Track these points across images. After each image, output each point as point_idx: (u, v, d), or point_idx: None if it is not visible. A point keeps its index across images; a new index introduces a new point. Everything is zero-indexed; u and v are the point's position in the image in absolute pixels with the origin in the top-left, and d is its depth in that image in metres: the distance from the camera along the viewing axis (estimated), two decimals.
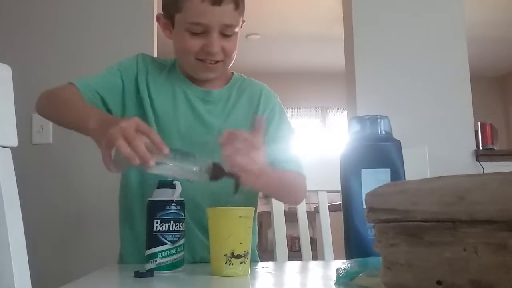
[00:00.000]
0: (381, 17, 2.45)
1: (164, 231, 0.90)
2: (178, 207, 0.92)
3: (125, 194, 1.21)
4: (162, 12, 1.15)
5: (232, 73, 1.27)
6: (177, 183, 0.94)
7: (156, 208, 0.91)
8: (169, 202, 0.91)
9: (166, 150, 0.85)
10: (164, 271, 0.89)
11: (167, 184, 0.93)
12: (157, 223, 0.90)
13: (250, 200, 1.17)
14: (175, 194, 0.93)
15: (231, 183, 0.93)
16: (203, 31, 1.07)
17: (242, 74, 1.28)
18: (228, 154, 0.91)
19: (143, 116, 1.13)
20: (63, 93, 1.09)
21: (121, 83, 1.15)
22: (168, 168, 0.89)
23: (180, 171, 0.90)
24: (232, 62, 1.17)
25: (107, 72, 1.16)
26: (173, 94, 1.17)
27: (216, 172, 0.91)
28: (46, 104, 1.10)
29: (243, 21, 1.17)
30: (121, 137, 0.81)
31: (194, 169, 0.90)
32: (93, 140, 0.92)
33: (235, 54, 1.15)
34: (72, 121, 1.01)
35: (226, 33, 1.09)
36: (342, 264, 0.69)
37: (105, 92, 1.12)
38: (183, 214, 0.93)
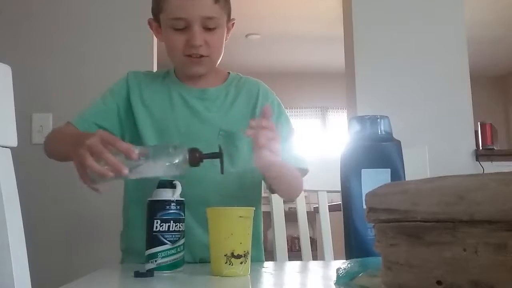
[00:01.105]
0: (381, 17, 2.45)
1: (164, 231, 0.90)
2: (178, 207, 0.92)
3: (124, 198, 1.24)
4: (152, 17, 1.19)
5: (229, 73, 1.29)
6: (177, 183, 0.94)
7: (156, 208, 0.91)
8: (169, 202, 0.91)
9: (134, 155, 0.85)
10: (164, 271, 0.89)
11: (167, 184, 0.93)
12: (157, 223, 0.90)
13: (253, 198, 1.18)
14: (175, 194, 0.93)
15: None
16: (185, 26, 1.10)
17: (238, 73, 1.29)
18: (262, 145, 0.92)
19: (140, 130, 1.16)
20: (60, 132, 1.15)
21: (116, 107, 1.18)
22: (147, 169, 0.89)
23: (161, 168, 0.90)
24: (219, 57, 1.18)
25: (101, 101, 1.20)
26: (169, 97, 1.20)
27: (194, 157, 0.92)
28: (47, 146, 1.15)
29: (233, 20, 1.20)
30: (89, 156, 0.83)
31: (174, 162, 0.90)
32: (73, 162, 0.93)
33: (221, 49, 1.17)
34: (65, 152, 1.01)
35: (208, 26, 1.11)
36: (342, 264, 0.69)
37: (102, 121, 1.16)
38: (183, 214, 0.93)
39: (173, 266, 0.90)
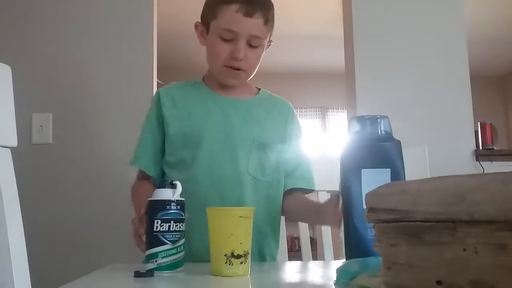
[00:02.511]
0: (381, 17, 2.45)
1: (165, 231, 0.90)
2: (179, 207, 0.92)
3: None
4: (199, 21, 1.27)
5: (259, 89, 1.38)
6: (177, 183, 0.94)
7: (156, 208, 0.91)
8: (169, 202, 0.91)
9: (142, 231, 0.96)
10: (164, 271, 0.89)
11: (167, 184, 0.93)
12: (157, 223, 0.90)
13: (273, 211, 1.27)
14: (175, 194, 0.93)
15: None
16: (233, 38, 1.18)
17: (267, 90, 1.40)
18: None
19: (173, 141, 1.24)
20: (136, 192, 1.25)
21: (157, 132, 1.27)
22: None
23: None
24: (253, 74, 1.26)
25: (145, 138, 1.28)
26: (205, 105, 1.26)
27: None
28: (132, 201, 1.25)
29: (270, 41, 1.28)
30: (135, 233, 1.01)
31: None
32: None
33: (257, 67, 1.26)
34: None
35: (253, 44, 1.20)
36: (342, 264, 0.69)
37: (158, 154, 1.27)
38: (183, 214, 0.93)
39: (173, 266, 0.90)
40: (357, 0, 2.44)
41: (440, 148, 2.24)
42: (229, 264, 0.82)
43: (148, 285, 0.81)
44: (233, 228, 0.84)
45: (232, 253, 0.82)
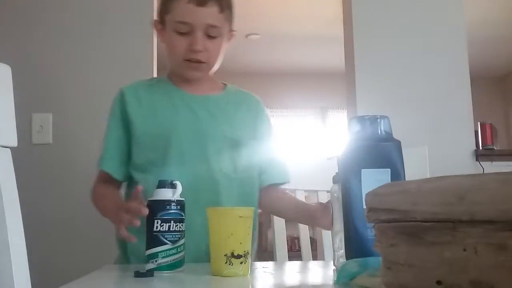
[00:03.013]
0: (381, 17, 2.45)
1: (165, 231, 0.90)
2: (179, 207, 0.92)
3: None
4: (157, 18, 1.23)
5: (225, 84, 1.34)
6: (178, 183, 0.94)
7: (156, 208, 0.91)
8: (169, 202, 0.91)
9: (145, 211, 0.91)
10: (164, 271, 0.89)
11: (167, 184, 0.93)
12: (157, 223, 0.90)
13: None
14: (176, 194, 0.93)
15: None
16: (189, 31, 1.15)
17: (234, 85, 1.35)
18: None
19: (140, 141, 1.19)
20: (98, 194, 1.24)
21: (122, 131, 1.22)
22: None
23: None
24: (216, 65, 1.23)
25: (110, 133, 1.23)
26: (171, 103, 1.22)
27: None
28: (93, 201, 1.25)
29: (233, 31, 1.25)
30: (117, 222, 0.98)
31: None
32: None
33: (219, 58, 1.21)
34: (104, 215, 1.17)
35: (210, 34, 1.16)
36: (342, 264, 0.69)
37: (125, 156, 1.22)
38: (183, 214, 0.93)
39: (173, 266, 0.90)
40: (357, 0, 2.44)
41: (440, 148, 2.23)
42: (229, 264, 0.82)
43: (148, 285, 0.81)
44: (233, 228, 0.84)
45: (232, 253, 0.82)
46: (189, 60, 1.17)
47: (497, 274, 0.38)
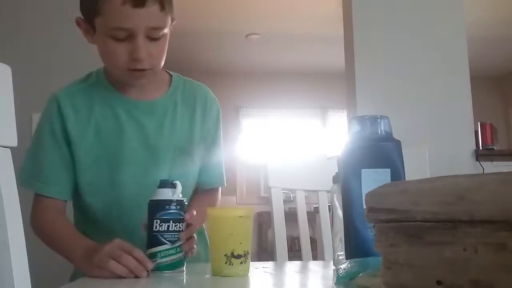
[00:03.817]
0: (381, 17, 2.45)
1: (164, 231, 0.90)
2: (178, 207, 0.92)
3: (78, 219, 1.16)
4: (81, 16, 1.05)
5: (171, 75, 1.19)
6: (178, 182, 0.94)
7: (156, 208, 0.91)
8: (169, 202, 0.91)
9: (150, 265, 0.86)
10: (164, 271, 0.89)
11: (167, 184, 0.93)
12: (156, 222, 0.90)
13: None
14: (175, 194, 0.93)
15: None
16: (128, 36, 0.98)
17: (178, 75, 1.21)
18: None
19: (83, 162, 1.07)
20: (47, 225, 1.06)
21: (66, 149, 1.07)
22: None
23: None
24: (161, 66, 1.08)
25: (50, 153, 1.07)
26: (115, 116, 1.09)
27: None
28: (39, 234, 1.07)
29: (173, 20, 1.07)
30: (110, 259, 0.84)
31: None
32: (80, 269, 0.95)
33: (164, 57, 1.07)
34: (62, 254, 1.01)
35: (153, 36, 1.00)
36: (342, 264, 0.69)
37: (71, 176, 1.07)
38: (183, 214, 0.93)
39: (172, 266, 0.90)
40: (357, 0, 2.44)
41: (440, 148, 2.24)
42: (229, 264, 0.82)
43: (148, 285, 0.81)
44: (233, 228, 0.84)
45: (232, 253, 0.82)
46: (132, 70, 1.02)
47: (497, 274, 0.38)
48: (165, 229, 0.90)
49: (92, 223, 1.11)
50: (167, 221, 0.91)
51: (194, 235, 0.98)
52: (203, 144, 1.18)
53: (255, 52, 5.67)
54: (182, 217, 0.93)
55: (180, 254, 0.92)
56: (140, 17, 0.96)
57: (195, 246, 0.97)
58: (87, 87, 1.12)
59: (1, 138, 0.65)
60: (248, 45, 5.44)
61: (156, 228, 0.90)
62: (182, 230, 0.93)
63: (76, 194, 1.11)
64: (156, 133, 1.11)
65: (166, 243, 0.90)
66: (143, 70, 1.02)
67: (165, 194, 0.92)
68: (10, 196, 0.65)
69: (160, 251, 0.90)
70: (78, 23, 1.05)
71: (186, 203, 0.96)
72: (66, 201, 1.09)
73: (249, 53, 5.71)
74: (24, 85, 2.06)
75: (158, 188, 0.94)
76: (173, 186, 0.93)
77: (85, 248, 0.94)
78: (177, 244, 0.91)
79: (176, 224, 0.91)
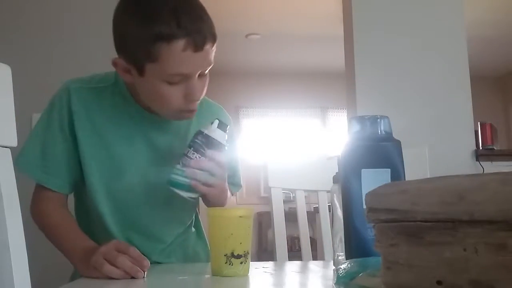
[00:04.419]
0: (381, 17, 2.45)
1: (183, 154, 0.97)
2: (203, 140, 0.97)
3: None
4: (119, 56, 0.99)
5: None
6: (219, 122, 0.99)
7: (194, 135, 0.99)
8: (199, 132, 0.98)
9: (147, 263, 0.85)
10: (170, 186, 0.97)
11: (221, 124, 0.99)
12: (186, 145, 0.98)
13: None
14: (208, 129, 0.98)
15: None
16: (183, 79, 0.95)
17: None
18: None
19: (88, 164, 1.04)
20: (48, 217, 1.07)
21: (72, 144, 1.05)
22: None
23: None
24: None
25: (55, 144, 1.04)
26: (126, 127, 1.07)
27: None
28: (39, 225, 1.09)
29: None
30: (105, 262, 0.84)
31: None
32: (77, 270, 0.96)
33: None
34: (60, 250, 1.03)
35: (203, 73, 0.98)
36: (342, 264, 0.69)
37: (75, 170, 1.06)
38: (205, 149, 0.96)
39: (176, 185, 0.97)
40: (357, 0, 2.44)
41: (440, 148, 2.24)
42: (229, 264, 0.82)
43: (148, 285, 0.81)
44: (233, 228, 0.84)
45: (232, 253, 0.82)
46: (184, 111, 1.00)
47: (497, 274, 0.38)
48: (185, 152, 0.97)
49: (94, 223, 1.11)
50: (189, 146, 0.97)
51: (207, 179, 0.97)
52: None
53: (255, 52, 5.67)
54: (203, 150, 0.97)
55: (186, 180, 0.96)
56: (199, 60, 0.94)
57: (200, 181, 0.97)
58: (101, 89, 1.07)
59: (1, 138, 0.65)
60: (248, 45, 5.44)
61: (183, 150, 0.98)
62: (198, 159, 0.97)
63: (79, 193, 1.11)
64: (165, 150, 1.08)
65: (178, 163, 0.97)
66: (194, 110, 1.01)
67: (209, 128, 0.98)
68: (10, 196, 0.65)
69: (173, 168, 0.97)
70: (115, 64, 1.00)
71: (217, 142, 0.98)
72: (67, 194, 1.09)
73: (249, 53, 5.71)
74: (24, 85, 2.06)
75: (214, 125, 0.99)
76: (223, 129, 0.99)
77: (83, 249, 0.94)
78: (184, 168, 0.96)
79: (194, 153, 0.96)
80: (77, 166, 1.06)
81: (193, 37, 0.90)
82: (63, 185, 1.06)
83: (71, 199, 1.14)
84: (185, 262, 1.18)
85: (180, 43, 0.89)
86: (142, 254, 0.88)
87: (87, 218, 1.11)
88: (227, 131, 1.01)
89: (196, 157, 0.96)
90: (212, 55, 0.97)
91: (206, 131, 0.97)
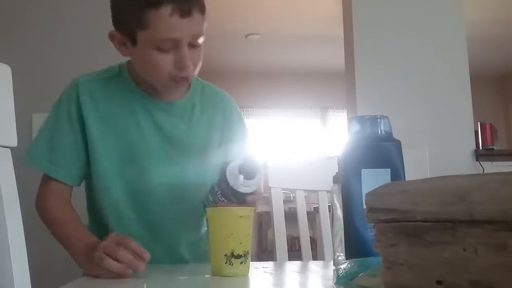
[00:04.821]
0: (381, 17, 2.45)
1: (212, 187, 0.98)
2: (219, 192, 0.95)
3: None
4: (115, 29, 1.04)
5: None
6: (255, 177, 0.94)
7: (218, 176, 0.96)
8: (226, 182, 0.93)
9: (147, 255, 0.86)
10: None
11: (246, 171, 0.93)
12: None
13: None
14: (236, 183, 0.93)
15: None
16: (173, 46, 0.99)
17: (198, 78, 1.21)
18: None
19: (99, 153, 1.08)
20: (52, 212, 1.10)
21: (80, 135, 1.09)
22: None
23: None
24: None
25: (64, 136, 1.09)
26: (132, 112, 1.11)
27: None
28: (43, 219, 1.12)
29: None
30: (106, 256, 0.84)
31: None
32: (80, 267, 0.98)
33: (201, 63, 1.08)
34: (64, 246, 1.06)
35: (194, 44, 1.01)
36: (342, 264, 0.69)
37: (83, 162, 1.09)
38: (232, 200, 0.95)
39: None
40: (357, 0, 2.44)
41: (440, 148, 2.24)
42: (229, 264, 0.82)
43: (148, 285, 0.81)
44: (233, 228, 0.84)
45: (232, 253, 0.82)
46: (175, 78, 1.03)
47: (497, 274, 0.38)
48: (215, 191, 0.97)
49: (107, 217, 1.12)
50: (218, 188, 0.96)
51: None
52: (230, 143, 1.19)
53: (255, 52, 5.67)
54: (232, 198, 0.95)
55: None
56: (187, 26, 0.98)
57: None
58: (107, 79, 1.13)
59: (1, 138, 0.65)
60: (249, 45, 5.44)
61: (212, 183, 0.98)
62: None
63: (91, 189, 1.13)
64: (172, 132, 1.13)
65: (210, 195, 0.98)
66: (186, 79, 1.04)
67: (232, 177, 0.93)
68: (10, 196, 0.65)
69: (206, 199, 1.00)
70: (112, 36, 1.05)
71: (244, 194, 0.95)
72: (72, 186, 1.11)
73: (249, 53, 5.71)
74: (24, 85, 2.06)
75: (240, 170, 0.93)
76: (250, 177, 0.93)
77: (86, 245, 0.95)
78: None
79: (222, 197, 0.95)
80: (85, 158, 1.09)
81: (178, 3, 0.95)
82: (69, 176, 1.08)
83: (76, 197, 1.15)
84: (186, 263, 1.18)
85: (167, 9, 0.95)
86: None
87: (100, 214, 1.13)
88: (255, 178, 0.95)
89: (224, 201, 0.94)
90: (203, 26, 1.01)
91: (231, 183, 0.93)
